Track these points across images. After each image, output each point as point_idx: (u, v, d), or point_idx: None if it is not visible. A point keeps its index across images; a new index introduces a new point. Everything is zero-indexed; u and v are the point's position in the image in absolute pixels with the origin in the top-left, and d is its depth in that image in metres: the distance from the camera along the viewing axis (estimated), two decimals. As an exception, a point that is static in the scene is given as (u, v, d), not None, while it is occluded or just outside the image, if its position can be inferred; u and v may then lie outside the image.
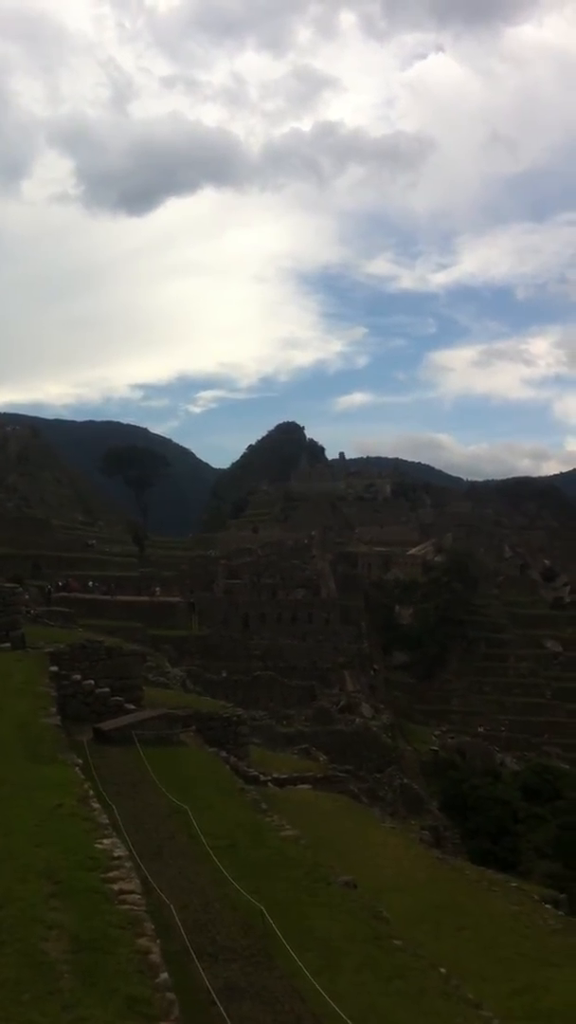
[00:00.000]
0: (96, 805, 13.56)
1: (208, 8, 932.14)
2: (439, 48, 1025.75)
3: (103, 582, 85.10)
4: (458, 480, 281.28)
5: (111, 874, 10.57)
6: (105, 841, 11.72)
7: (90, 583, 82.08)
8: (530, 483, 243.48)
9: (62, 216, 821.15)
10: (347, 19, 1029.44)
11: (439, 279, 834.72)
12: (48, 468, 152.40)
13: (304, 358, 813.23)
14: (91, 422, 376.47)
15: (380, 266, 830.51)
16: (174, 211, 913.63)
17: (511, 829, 57.20)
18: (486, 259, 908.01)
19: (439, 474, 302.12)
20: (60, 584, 77.85)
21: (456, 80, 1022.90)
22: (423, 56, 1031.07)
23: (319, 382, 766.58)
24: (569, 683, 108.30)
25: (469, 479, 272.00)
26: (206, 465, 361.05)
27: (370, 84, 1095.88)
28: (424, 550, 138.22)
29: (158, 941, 9.14)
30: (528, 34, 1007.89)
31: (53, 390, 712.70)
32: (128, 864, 11.13)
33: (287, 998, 10.90)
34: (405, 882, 20.79)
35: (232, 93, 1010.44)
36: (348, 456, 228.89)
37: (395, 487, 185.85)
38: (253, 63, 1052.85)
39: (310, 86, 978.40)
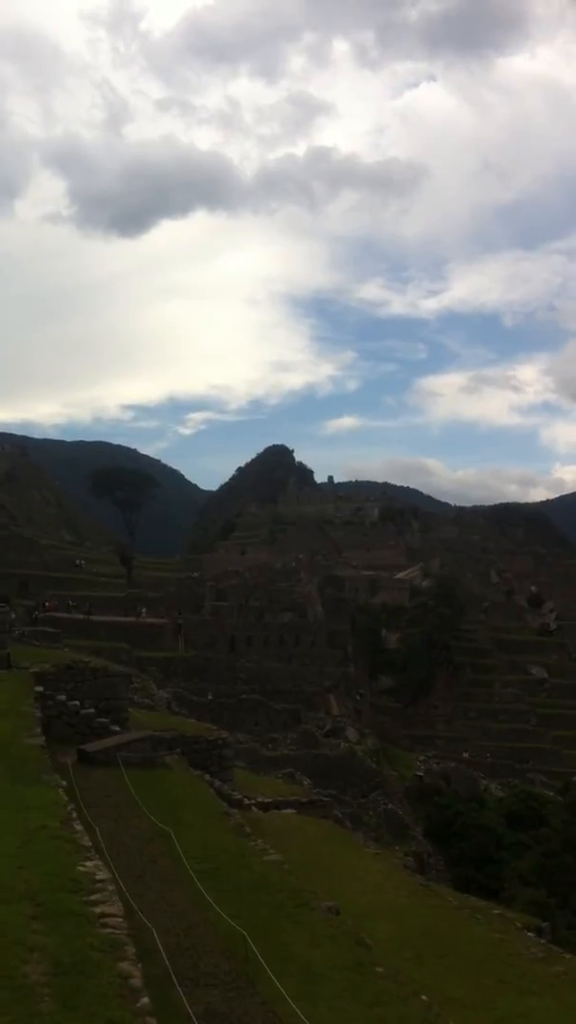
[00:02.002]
0: (79, 827, 13.54)
1: (202, 35, 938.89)
2: (431, 77, 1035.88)
3: (82, 601, 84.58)
4: (446, 505, 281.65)
5: (93, 897, 10.56)
6: (88, 864, 11.71)
7: (69, 602, 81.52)
8: (517, 509, 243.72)
9: (55, 236, 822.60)
10: (340, 48, 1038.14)
11: (430, 305, 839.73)
12: (36, 487, 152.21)
13: (294, 381, 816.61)
14: (81, 442, 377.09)
15: (371, 291, 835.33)
16: (167, 233, 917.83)
17: (495, 856, 56.97)
18: (476, 286, 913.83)
19: (427, 499, 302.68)
20: (45, 604, 77.55)
21: (447, 109, 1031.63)
22: (415, 85, 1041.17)
23: (309, 405, 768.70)
24: (554, 710, 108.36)
25: (457, 504, 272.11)
26: (194, 487, 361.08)
27: (362, 111, 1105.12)
28: (411, 575, 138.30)
29: (139, 965, 9.13)
30: (520, 65, 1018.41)
31: (43, 410, 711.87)
32: (111, 887, 11.12)
33: (268, 1024, 10.87)
34: (388, 908, 20.72)
35: (226, 117, 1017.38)
36: (337, 480, 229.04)
37: (383, 511, 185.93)
38: (246, 89, 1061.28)
39: (304, 111, 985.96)
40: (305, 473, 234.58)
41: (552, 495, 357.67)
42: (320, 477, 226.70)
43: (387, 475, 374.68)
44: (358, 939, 14.66)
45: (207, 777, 25.75)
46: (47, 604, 77.12)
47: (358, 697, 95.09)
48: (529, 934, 22.49)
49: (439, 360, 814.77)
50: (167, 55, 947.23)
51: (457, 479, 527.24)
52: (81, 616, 78.01)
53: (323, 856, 24.28)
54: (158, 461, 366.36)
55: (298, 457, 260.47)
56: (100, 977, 8.55)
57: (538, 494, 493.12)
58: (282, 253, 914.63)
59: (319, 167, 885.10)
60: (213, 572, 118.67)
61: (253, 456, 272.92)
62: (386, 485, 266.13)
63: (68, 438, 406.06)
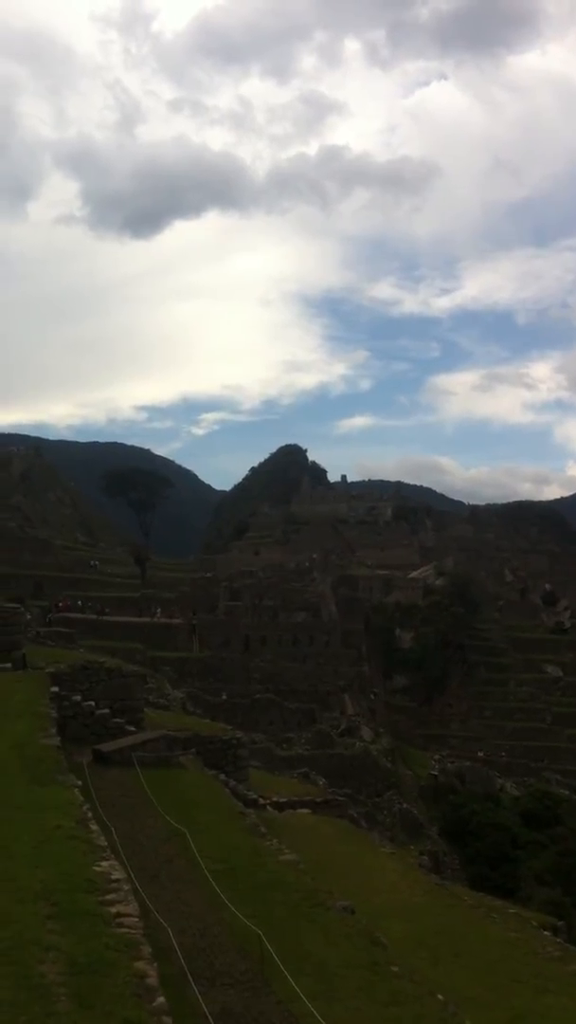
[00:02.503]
0: (95, 827, 13.56)
1: (213, 35, 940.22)
2: (442, 76, 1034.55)
3: (95, 602, 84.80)
4: (459, 504, 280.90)
5: (109, 897, 10.58)
6: (103, 863, 11.72)
7: (78, 602, 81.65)
8: (531, 507, 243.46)
9: (68, 238, 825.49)
10: (351, 47, 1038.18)
11: (442, 303, 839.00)
12: (51, 488, 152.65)
13: (307, 381, 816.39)
14: (95, 443, 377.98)
15: (384, 290, 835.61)
16: (179, 234, 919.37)
17: (510, 855, 56.81)
18: (488, 284, 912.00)
19: (440, 497, 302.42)
20: (58, 604, 77.81)
21: (459, 107, 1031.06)
22: (426, 83, 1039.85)
23: (322, 405, 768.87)
24: (569, 708, 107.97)
25: (470, 503, 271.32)
26: (208, 487, 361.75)
27: (374, 110, 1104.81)
28: (425, 573, 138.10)
29: (155, 964, 9.14)
30: (531, 62, 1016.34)
31: (57, 411, 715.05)
32: (126, 887, 11.13)
33: (283, 1023, 10.88)
34: (403, 908, 20.72)
35: (238, 117, 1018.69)
36: (350, 479, 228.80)
37: (396, 510, 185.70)
38: (258, 89, 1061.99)
39: (316, 111, 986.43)
40: (318, 473, 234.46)
41: (566, 493, 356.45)
42: (333, 476, 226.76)
43: (400, 474, 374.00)
44: (373, 938, 14.66)
45: (222, 777, 25.77)
46: (60, 604, 77.38)
47: (372, 696, 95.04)
48: (545, 933, 22.48)
49: (452, 358, 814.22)
50: (178, 56, 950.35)
51: (470, 477, 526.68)
52: (94, 616, 78.19)
53: (338, 856, 24.29)
54: (172, 462, 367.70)
55: (311, 457, 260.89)
56: (116, 976, 8.56)
57: (552, 492, 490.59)
58: (294, 253, 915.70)
59: (331, 166, 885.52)
60: (227, 572, 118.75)
61: (266, 456, 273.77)
62: (399, 484, 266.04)
63: (82, 439, 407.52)
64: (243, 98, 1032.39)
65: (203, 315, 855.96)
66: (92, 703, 25.65)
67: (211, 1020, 10.23)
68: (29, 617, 47.25)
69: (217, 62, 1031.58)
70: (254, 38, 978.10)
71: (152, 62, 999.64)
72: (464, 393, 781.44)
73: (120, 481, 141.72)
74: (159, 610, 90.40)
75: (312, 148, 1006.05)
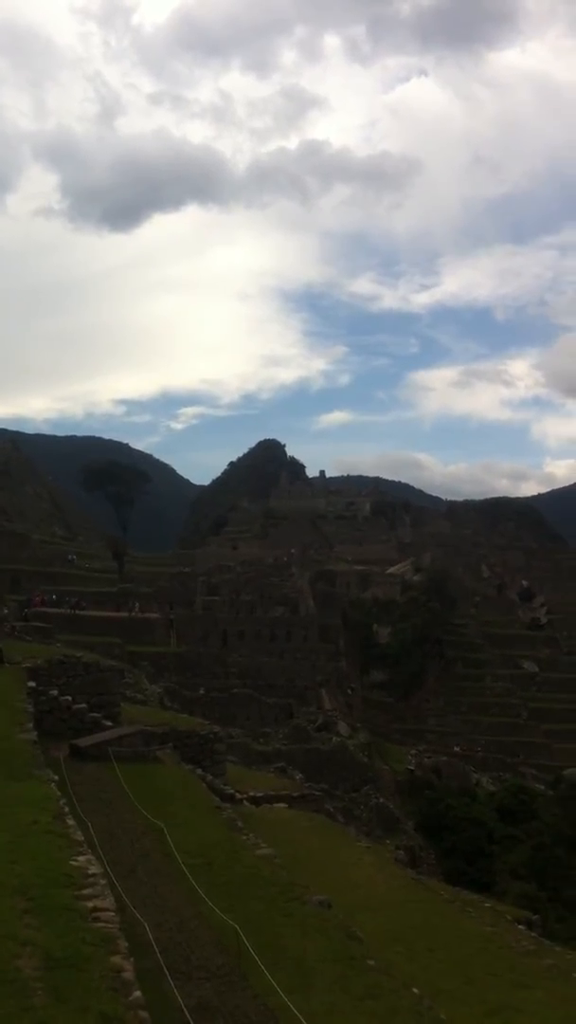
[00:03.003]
0: (71, 822, 13.55)
1: (193, 29, 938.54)
2: (422, 72, 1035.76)
3: (72, 596, 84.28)
4: (437, 500, 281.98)
5: (85, 891, 10.57)
6: (80, 858, 11.72)
7: (52, 596, 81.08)
8: (508, 503, 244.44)
9: (46, 231, 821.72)
10: (331, 42, 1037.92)
11: (421, 299, 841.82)
12: (28, 482, 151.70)
13: (286, 376, 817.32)
14: (73, 437, 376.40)
15: (363, 285, 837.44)
16: (158, 227, 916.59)
17: (486, 850, 57.12)
18: (468, 280, 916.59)
19: (418, 493, 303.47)
20: (36, 599, 77.32)
21: (439, 104, 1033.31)
22: (406, 79, 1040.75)
23: (301, 400, 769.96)
24: (545, 704, 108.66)
25: (448, 499, 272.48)
26: (186, 481, 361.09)
27: (354, 106, 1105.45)
28: (403, 569, 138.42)
29: (132, 959, 9.15)
30: (510, 59, 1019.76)
31: (35, 404, 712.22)
32: (103, 881, 11.13)
33: (260, 1017, 10.91)
34: (379, 902, 20.78)
35: (218, 111, 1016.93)
36: (329, 474, 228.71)
37: (375, 506, 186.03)
38: (238, 83, 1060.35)
39: (297, 105, 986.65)
40: (297, 468, 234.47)
41: (543, 489, 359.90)
42: (312, 472, 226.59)
43: (379, 470, 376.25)
44: (349, 932, 14.70)
45: (199, 772, 25.77)
46: (37, 599, 76.92)
47: (349, 691, 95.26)
48: (520, 927, 22.62)
49: (431, 355, 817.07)
50: (158, 49, 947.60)
51: (449, 473, 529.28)
52: (68, 611, 77.60)
53: (315, 850, 24.33)
54: (150, 456, 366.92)
55: (290, 452, 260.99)
56: (92, 971, 8.56)
57: (529, 488, 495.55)
58: (274, 247, 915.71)
59: (311, 161, 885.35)
60: (205, 567, 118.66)
61: (245, 451, 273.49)
62: (378, 480, 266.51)
63: (60, 433, 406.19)
64: (223, 92, 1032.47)
65: (182, 309, 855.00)
66: (69, 698, 25.61)
67: (187, 1014, 10.24)
68: (6, 612, 47.09)
69: (197, 56, 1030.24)
70: (234, 32, 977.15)
71: (132, 55, 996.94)
72: (442, 389, 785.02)
73: (98, 475, 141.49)
74: (137, 605, 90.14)
75: (292, 143, 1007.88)
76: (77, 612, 78.58)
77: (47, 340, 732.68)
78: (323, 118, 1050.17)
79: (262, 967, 11.55)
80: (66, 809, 14.32)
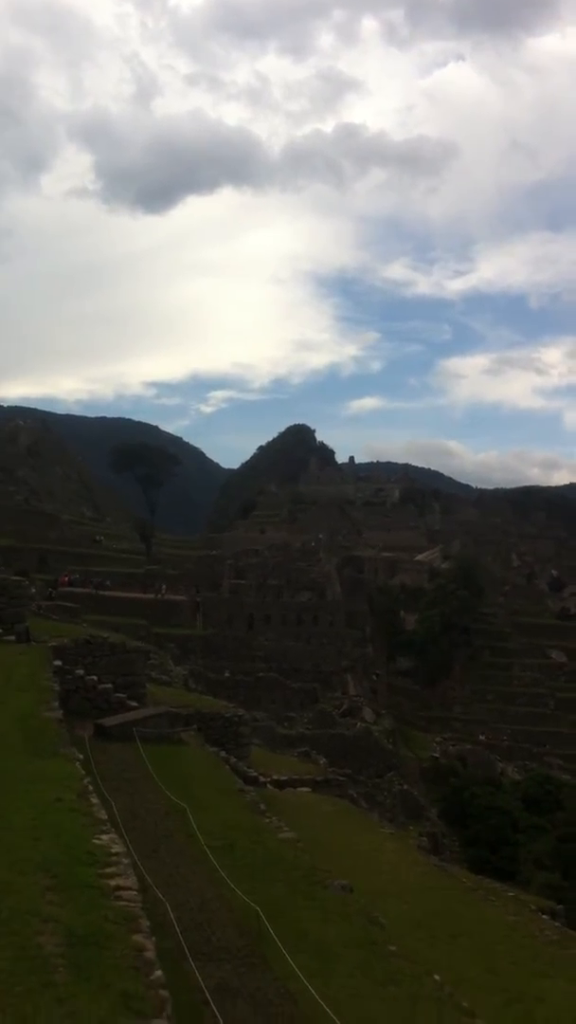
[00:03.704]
0: (95, 800, 13.57)
1: (230, 11, 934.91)
2: (459, 57, 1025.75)
3: (98, 576, 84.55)
4: (467, 487, 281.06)
5: (108, 870, 10.57)
6: (103, 837, 11.72)
7: (77, 576, 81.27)
8: (539, 492, 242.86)
9: (80, 211, 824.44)
10: (369, 26, 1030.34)
11: (455, 286, 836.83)
12: (58, 463, 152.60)
13: (317, 361, 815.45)
14: (103, 418, 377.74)
15: (397, 271, 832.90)
16: (192, 209, 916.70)
17: (510, 839, 56.93)
18: (503, 267, 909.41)
19: (448, 481, 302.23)
20: (64, 579, 77.69)
21: (476, 89, 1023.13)
22: (443, 64, 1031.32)
23: (331, 385, 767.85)
24: (572, 694, 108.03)
25: (478, 487, 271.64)
26: (215, 465, 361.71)
27: (391, 90, 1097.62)
28: (431, 556, 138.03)
29: (153, 939, 9.14)
30: (549, 45, 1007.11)
31: (66, 385, 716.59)
32: (125, 860, 11.13)
33: (280, 1000, 10.90)
34: (401, 888, 20.76)
35: (255, 93, 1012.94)
36: (358, 460, 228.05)
37: (404, 492, 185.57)
38: (275, 66, 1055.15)
39: (334, 87, 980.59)
40: (326, 453, 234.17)
41: (575, 478, 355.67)
42: (341, 457, 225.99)
43: (409, 456, 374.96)
44: (371, 918, 14.69)
45: (223, 754, 25.82)
46: (65, 579, 77.32)
47: (375, 677, 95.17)
48: (544, 916, 22.54)
49: (464, 341, 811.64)
50: (195, 30, 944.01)
51: (479, 461, 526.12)
52: (92, 591, 77.70)
53: (337, 835, 24.34)
54: (180, 438, 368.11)
55: (319, 437, 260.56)
56: (114, 949, 8.56)
57: (561, 477, 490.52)
58: (308, 231, 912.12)
59: (347, 144, 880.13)
60: (232, 550, 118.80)
61: (274, 435, 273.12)
62: (407, 466, 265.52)
63: (90, 414, 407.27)
64: (260, 74, 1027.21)
65: (214, 292, 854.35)
66: (95, 677, 25.72)
67: (208, 995, 10.24)
68: (33, 591, 47.32)
69: (234, 38, 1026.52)
70: (271, 15, 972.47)
71: (169, 36, 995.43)
72: (474, 376, 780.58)
73: (127, 457, 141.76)
74: (164, 587, 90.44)
75: (328, 125, 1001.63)
76: (100, 592, 78.80)
77: (79, 321, 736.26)
78: (359, 101, 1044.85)
79: (283, 950, 11.54)
80: (90, 788, 14.35)
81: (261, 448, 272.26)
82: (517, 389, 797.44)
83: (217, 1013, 9.85)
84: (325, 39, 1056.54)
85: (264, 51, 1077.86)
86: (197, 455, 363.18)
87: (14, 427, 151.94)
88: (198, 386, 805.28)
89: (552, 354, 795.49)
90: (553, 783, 70.02)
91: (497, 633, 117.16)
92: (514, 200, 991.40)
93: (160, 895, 12.66)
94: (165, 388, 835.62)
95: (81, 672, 25.56)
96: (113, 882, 10.23)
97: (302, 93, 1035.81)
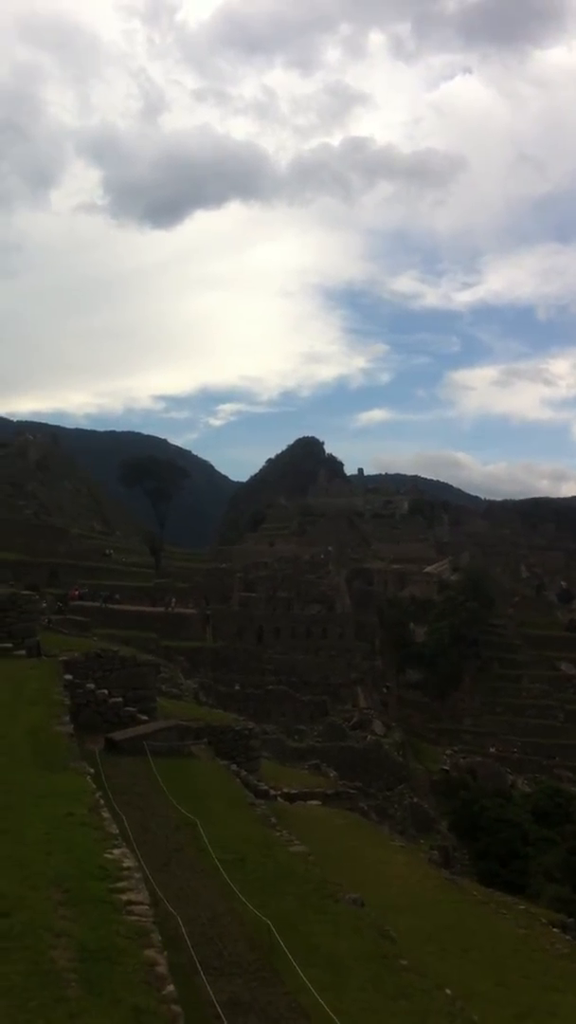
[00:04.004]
0: (106, 815, 13.61)
1: (236, 26, 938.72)
2: (466, 70, 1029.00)
3: (106, 590, 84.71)
4: (476, 499, 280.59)
5: (120, 884, 10.61)
6: (115, 851, 11.76)
7: (86, 590, 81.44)
8: (548, 504, 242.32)
9: (89, 226, 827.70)
10: (376, 40, 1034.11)
11: (463, 298, 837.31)
12: (67, 477, 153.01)
13: (326, 373, 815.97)
14: (112, 432, 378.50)
15: (405, 283, 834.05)
16: (201, 224, 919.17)
17: (521, 852, 56.73)
18: (511, 279, 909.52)
19: (457, 492, 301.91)
20: (75, 593, 77.92)
21: (483, 101, 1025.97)
22: (450, 77, 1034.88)
23: (340, 397, 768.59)
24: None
25: (487, 498, 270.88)
26: (224, 478, 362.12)
27: (398, 103, 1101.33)
28: (440, 568, 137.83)
29: (165, 953, 9.17)
30: (557, 57, 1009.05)
31: (75, 399, 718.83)
32: (137, 875, 11.17)
33: (291, 1014, 10.91)
34: (412, 901, 20.73)
35: (262, 107, 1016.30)
36: (367, 472, 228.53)
37: (413, 504, 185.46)
38: (282, 80, 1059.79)
39: (341, 102, 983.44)
40: (335, 465, 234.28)
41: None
42: (350, 469, 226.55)
43: (417, 468, 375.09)
44: (382, 931, 14.69)
45: (233, 767, 25.85)
46: (76, 593, 77.57)
47: (385, 690, 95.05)
48: (554, 930, 22.47)
49: (472, 353, 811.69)
50: (202, 46, 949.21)
51: (488, 473, 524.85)
52: (100, 604, 77.83)
53: (348, 848, 24.33)
54: (189, 452, 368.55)
55: (328, 449, 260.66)
56: (126, 964, 8.59)
57: (570, 489, 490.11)
58: (316, 244, 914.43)
59: (355, 157, 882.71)
60: (242, 563, 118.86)
61: (283, 448, 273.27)
62: (416, 478, 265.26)
63: (99, 428, 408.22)
64: (267, 88, 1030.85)
65: (223, 306, 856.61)
66: (105, 691, 25.79)
67: (219, 1009, 10.27)
68: (44, 605, 47.49)
69: (240, 53, 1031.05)
70: (278, 29, 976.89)
71: (176, 52, 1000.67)
72: (483, 388, 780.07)
73: (137, 470, 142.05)
74: (174, 600, 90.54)
75: (336, 139, 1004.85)
76: (108, 605, 78.93)
77: (88, 335, 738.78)
78: (367, 115, 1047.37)
79: (295, 964, 11.55)
80: (101, 802, 14.39)
81: (270, 461, 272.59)
82: (525, 401, 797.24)
83: (229, 1027, 9.87)
84: (332, 53, 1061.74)
85: (271, 66, 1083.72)
86: (206, 468, 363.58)
87: (24, 442, 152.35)
88: (207, 399, 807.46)
89: (560, 365, 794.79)
90: (563, 795, 69.74)
91: (506, 645, 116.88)
92: (522, 212, 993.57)
93: (171, 909, 12.69)
94: (174, 402, 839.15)
95: (92, 686, 25.64)
96: (125, 896, 10.27)
97: (309, 107, 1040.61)
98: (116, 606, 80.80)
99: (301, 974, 11.29)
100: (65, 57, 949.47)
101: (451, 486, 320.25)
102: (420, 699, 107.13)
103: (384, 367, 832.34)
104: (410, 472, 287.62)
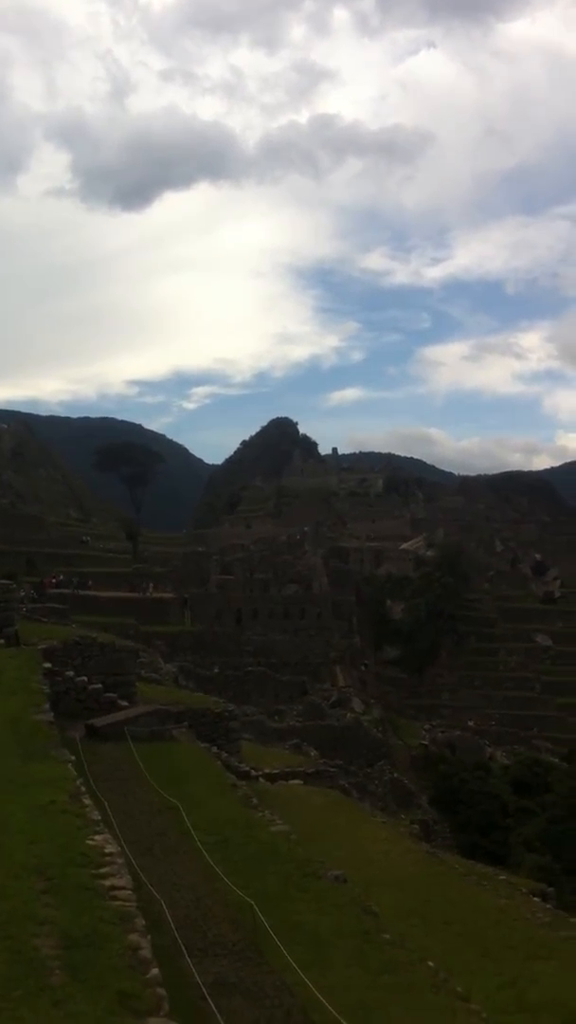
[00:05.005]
0: (88, 801, 13.65)
1: (201, 6, 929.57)
2: (431, 44, 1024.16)
3: (74, 577, 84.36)
4: (450, 475, 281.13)
5: (103, 870, 10.66)
6: (97, 837, 11.81)
7: (60, 576, 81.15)
8: (521, 478, 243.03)
9: (58, 211, 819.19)
10: (341, 16, 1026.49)
11: (433, 273, 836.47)
12: (42, 465, 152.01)
13: (298, 353, 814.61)
14: (86, 418, 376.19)
15: (375, 260, 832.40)
16: (170, 206, 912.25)
17: (501, 823, 57.19)
18: (479, 253, 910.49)
19: (431, 469, 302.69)
20: (52, 580, 77.62)
21: (449, 76, 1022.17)
22: (415, 52, 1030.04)
23: (313, 377, 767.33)
24: (558, 677, 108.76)
25: (460, 474, 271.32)
26: (199, 461, 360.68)
27: (364, 79, 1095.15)
28: (416, 545, 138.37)
29: (149, 937, 9.23)
30: (520, 30, 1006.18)
31: (48, 386, 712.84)
32: (119, 860, 11.22)
33: (276, 992, 11.03)
34: (394, 876, 20.94)
35: (229, 86, 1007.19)
36: (341, 451, 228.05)
37: (387, 482, 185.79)
38: (248, 59, 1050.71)
39: (308, 79, 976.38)
40: (309, 445, 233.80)
41: (556, 463, 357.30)
42: (324, 449, 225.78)
43: (391, 446, 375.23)
44: (365, 907, 14.84)
45: (214, 750, 25.94)
46: (54, 580, 77.28)
47: (363, 668, 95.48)
48: (535, 899, 22.80)
49: (442, 329, 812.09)
50: (168, 27, 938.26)
51: (461, 448, 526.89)
52: (71, 590, 77.34)
53: (330, 826, 24.51)
54: (163, 436, 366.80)
55: (302, 429, 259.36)
56: (110, 949, 8.65)
57: (542, 462, 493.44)
58: (286, 223, 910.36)
59: (323, 135, 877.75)
60: (218, 546, 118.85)
61: (257, 429, 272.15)
62: (390, 456, 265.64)
63: (73, 414, 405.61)
64: (234, 67, 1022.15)
65: (194, 288, 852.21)
66: (85, 678, 25.78)
67: (205, 990, 10.37)
68: (22, 594, 47.34)
69: (206, 32, 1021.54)
70: (243, 8, 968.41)
71: (141, 33, 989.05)
72: (454, 364, 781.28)
73: (112, 456, 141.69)
74: (151, 585, 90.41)
75: (303, 117, 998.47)
76: (80, 592, 78.55)
77: (59, 321, 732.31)
78: (333, 92, 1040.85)
79: (278, 943, 11.67)
80: (83, 789, 14.43)
81: (244, 443, 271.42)
82: (496, 375, 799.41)
83: (215, 1008, 9.97)
84: (297, 31, 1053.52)
85: (237, 44, 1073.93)
86: (181, 452, 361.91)
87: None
88: (180, 383, 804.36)
89: (530, 339, 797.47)
90: (542, 766, 70.45)
91: (483, 619, 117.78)
92: (490, 186, 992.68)
93: (155, 893, 12.77)
94: (147, 386, 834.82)
95: (71, 673, 25.62)
96: (107, 882, 10.33)
97: (276, 85, 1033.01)
98: (88, 592, 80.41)
99: (285, 953, 11.41)
100: (31, 41, 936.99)
101: (425, 463, 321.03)
102: (398, 675, 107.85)
103: (356, 345, 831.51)
104: (384, 450, 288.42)
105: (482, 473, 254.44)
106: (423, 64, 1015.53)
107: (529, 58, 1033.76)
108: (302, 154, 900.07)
